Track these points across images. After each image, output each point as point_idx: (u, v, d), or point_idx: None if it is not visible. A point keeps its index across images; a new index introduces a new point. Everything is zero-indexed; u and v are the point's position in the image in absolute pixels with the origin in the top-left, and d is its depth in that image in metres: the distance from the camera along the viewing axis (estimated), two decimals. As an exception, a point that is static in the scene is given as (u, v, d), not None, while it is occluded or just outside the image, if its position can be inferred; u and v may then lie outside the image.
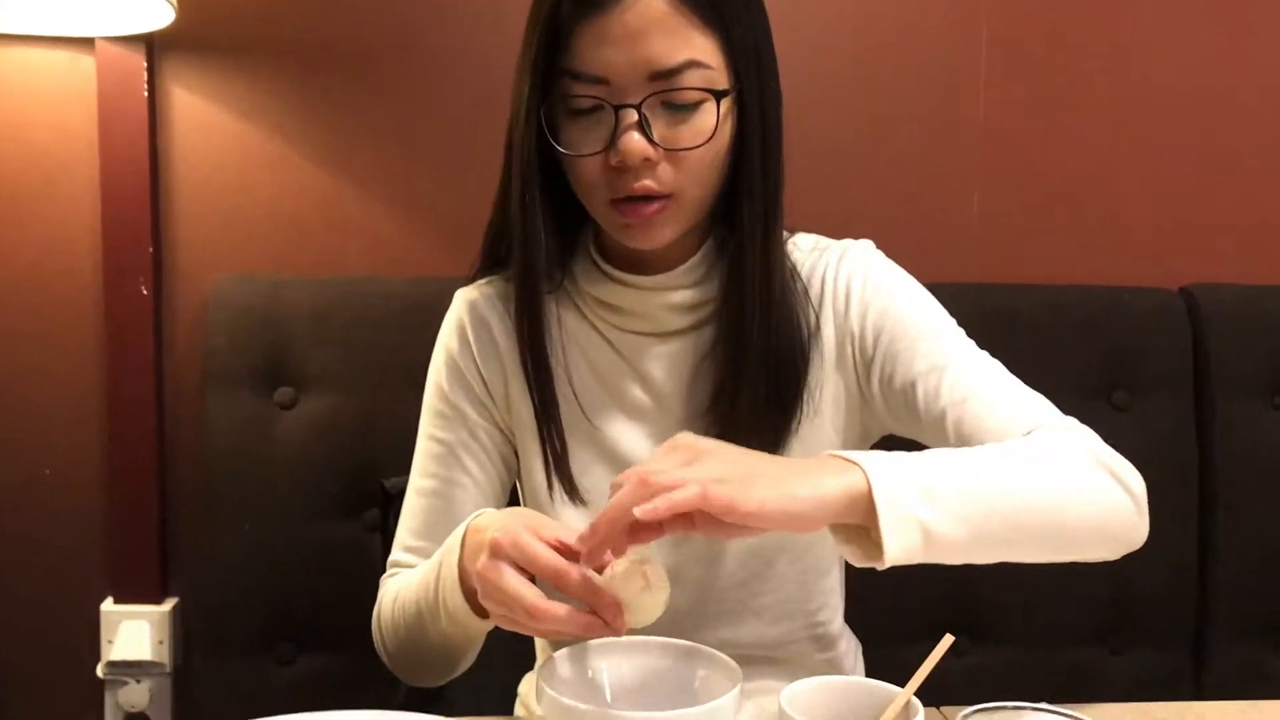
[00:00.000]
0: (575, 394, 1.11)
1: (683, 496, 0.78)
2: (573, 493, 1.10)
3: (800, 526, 0.82)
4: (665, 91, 0.97)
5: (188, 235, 1.69)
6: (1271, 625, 1.71)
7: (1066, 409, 1.66)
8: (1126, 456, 0.93)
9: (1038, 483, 0.89)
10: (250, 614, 1.61)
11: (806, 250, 1.14)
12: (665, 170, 1.00)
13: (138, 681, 1.69)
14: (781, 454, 1.08)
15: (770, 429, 1.08)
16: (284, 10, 1.67)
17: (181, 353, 1.69)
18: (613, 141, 0.98)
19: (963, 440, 0.98)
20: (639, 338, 1.11)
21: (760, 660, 1.12)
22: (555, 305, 1.13)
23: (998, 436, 0.96)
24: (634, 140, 0.97)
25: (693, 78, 0.97)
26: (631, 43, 0.96)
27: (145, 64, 1.63)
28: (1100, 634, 1.71)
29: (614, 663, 0.95)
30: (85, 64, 1.64)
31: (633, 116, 0.97)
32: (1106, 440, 0.99)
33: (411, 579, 1.06)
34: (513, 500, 1.20)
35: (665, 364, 1.11)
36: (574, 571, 0.85)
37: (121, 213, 1.65)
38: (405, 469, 1.55)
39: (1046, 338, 1.67)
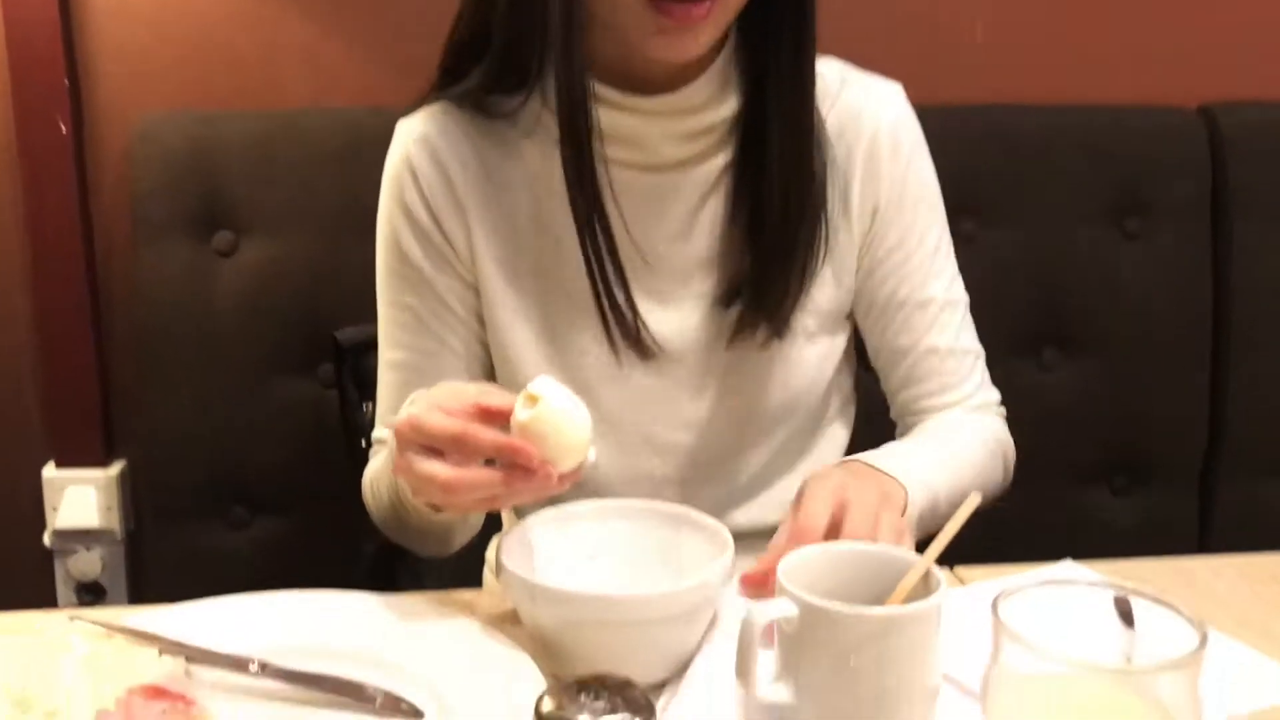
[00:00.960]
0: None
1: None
2: (646, 352, 0.99)
3: None
4: None
5: (108, 67, 1.53)
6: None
7: (1076, 239, 1.57)
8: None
9: (991, 482, 1.06)
10: (201, 477, 1.52)
11: (834, 78, 1.03)
12: None
13: (88, 550, 1.60)
14: (792, 318, 1.02)
15: (781, 282, 0.98)
16: None
17: (108, 198, 1.55)
18: None
19: (906, 380, 1.06)
20: (624, 172, 0.97)
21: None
22: (516, 136, 0.99)
23: (937, 401, 1.06)
24: None
25: None
26: None
27: None
28: (1105, 474, 1.64)
29: (586, 529, 0.85)
30: None
31: None
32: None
33: (381, 470, 1.00)
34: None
35: (654, 205, 0.99)
36: (472, 429, 0.77)
37: (30, 43, 1.48)
38: (358, 318, 1.44)
39: (1053, 162, 1.57)
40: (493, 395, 0.79)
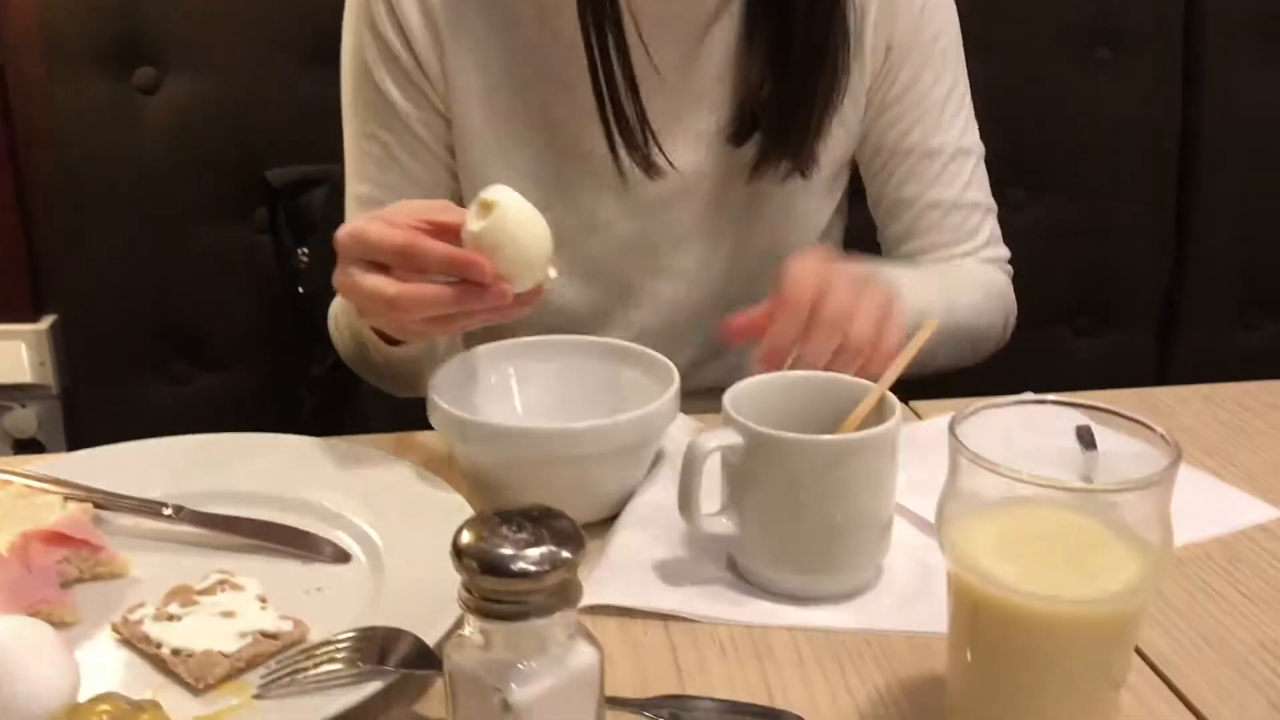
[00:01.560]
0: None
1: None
2: (653, 169, 0.92)
3: None
4: None
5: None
6: (1246, 300, 1.61)
7: (1048, 69, 1.50)
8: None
9: (982, 324, 1.03)
10: (136, 329, 1.45)
11: None
12: None
13: (23, 406, 1.54)
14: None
15: (806, 107, 0.92)
16: None
17: (16, 31, 1.45)
18: None
19: (908, 233, 1.02)
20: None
21: None
22: None
23: (940, 255, 1.02)
24: None
25: None
26: None
27: None
28: (1067, 315, 1.61)
29: (526, 365, 0.80)
30: None
31: None
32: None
33: (343, 302, 0.92)
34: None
35: (662, 22, 0.91)
36: (419, 240, 0.70)
37: None
38: (291, 158, 1.38)
39: None
40: (449, 210, 0.73)
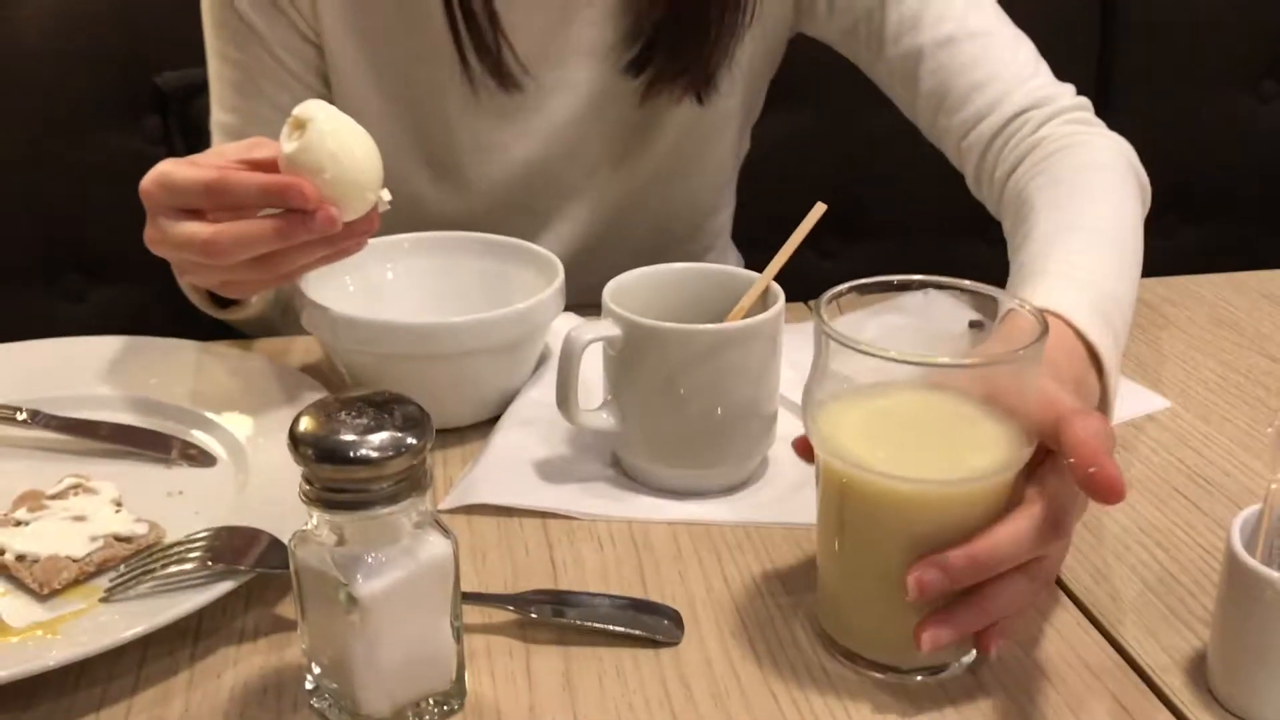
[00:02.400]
0: None
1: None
2: (502, 74, 0.85)
3: None
4: None
5: None
6: (1157, 215, 1.61)
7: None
8: (1027, 27, 0.84)
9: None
10: (25, 244, 1.39)
11: None
12: None
13: (-90, 327, 1.47)
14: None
15: (718, 38, 0.86)
16: None
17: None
18: None
19: (935, 93, 0.85)
20: None
21: None
22: None
23: (988, 103, 0.83)
24: None
25: None
26: None
27: None
28: (980, 225, 1.59)
29: (403, 263, 0.77)
30: None
31: None
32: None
33: None
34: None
35: None
36: (229, 173, 0.63)
37: None
38: (181, 61, 1.31)
39: None
40: (264, 146, 0.66)
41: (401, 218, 0.76)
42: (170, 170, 0.65)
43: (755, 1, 0.87)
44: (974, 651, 0.53)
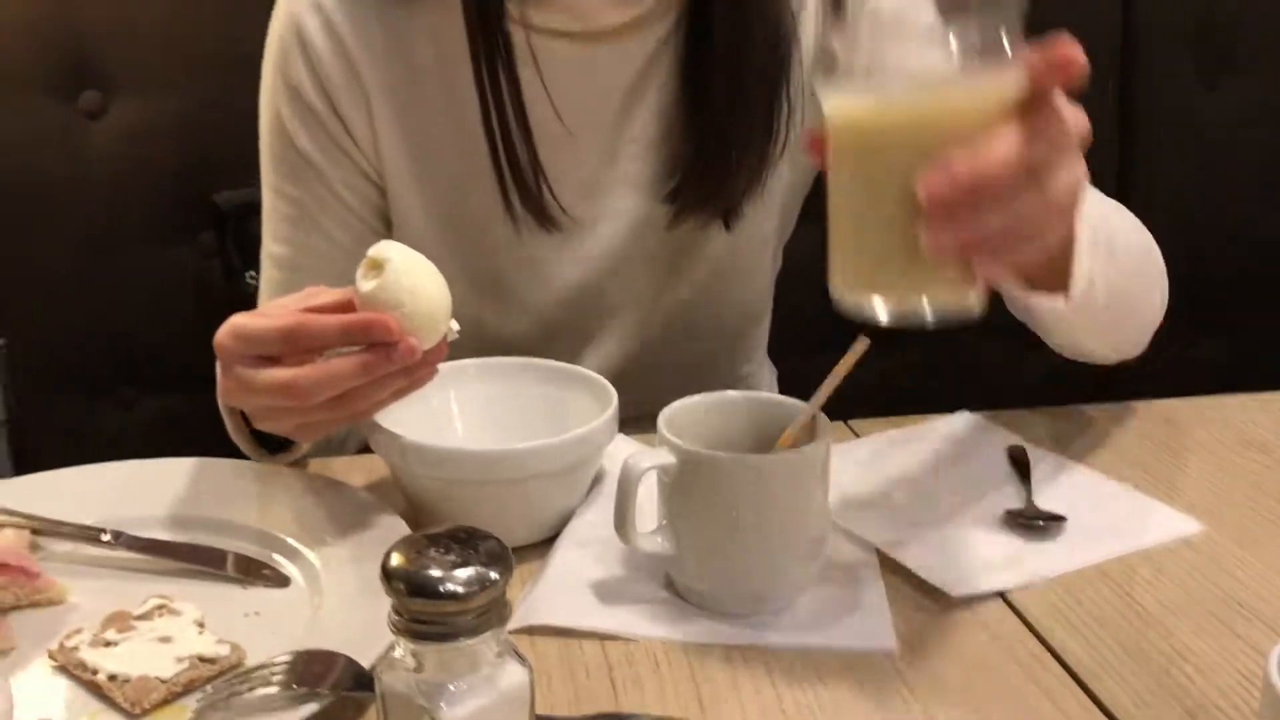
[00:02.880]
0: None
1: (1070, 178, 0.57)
2: (545, 217, 0.89)
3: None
4: None
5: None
6: (1178, 326, 1.64)
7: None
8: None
9: (1149, 256, 0.86)
10: (83, 355, 1.45)
11: None
12: None
13: (-33, 432, 1.52)
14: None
15: (726, 166, 0.89)
16: None
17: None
18: None
19: None
20: (553, 41, 0.87)
21: None
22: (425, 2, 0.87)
23: None
24: None
25: None
26: None
27: None
28: (1015, 328, 1.63)
29: (464, 388, 0.81)
30: None
31: None
32: None
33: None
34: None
35: (587, 79, 0.89)
36: (307, 317, 0.66)
37: None
38: (239, 181, 1.37)
39: None
40: (323, 293, 0.69)
41: (459, 338, 0.79)
42: (244, 322, 0.68)
43: (784, 137, 0.91)
44: (974, 297, 0.57)
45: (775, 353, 1.18)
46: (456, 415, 0.80)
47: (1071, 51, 0.54)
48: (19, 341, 1.52)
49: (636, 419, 0.78)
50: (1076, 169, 0.57)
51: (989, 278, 0.57)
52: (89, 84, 1.38)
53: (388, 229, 0.96)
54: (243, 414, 0.79)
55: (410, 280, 0.66)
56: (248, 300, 1.36)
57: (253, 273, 1.37)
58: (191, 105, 1.39)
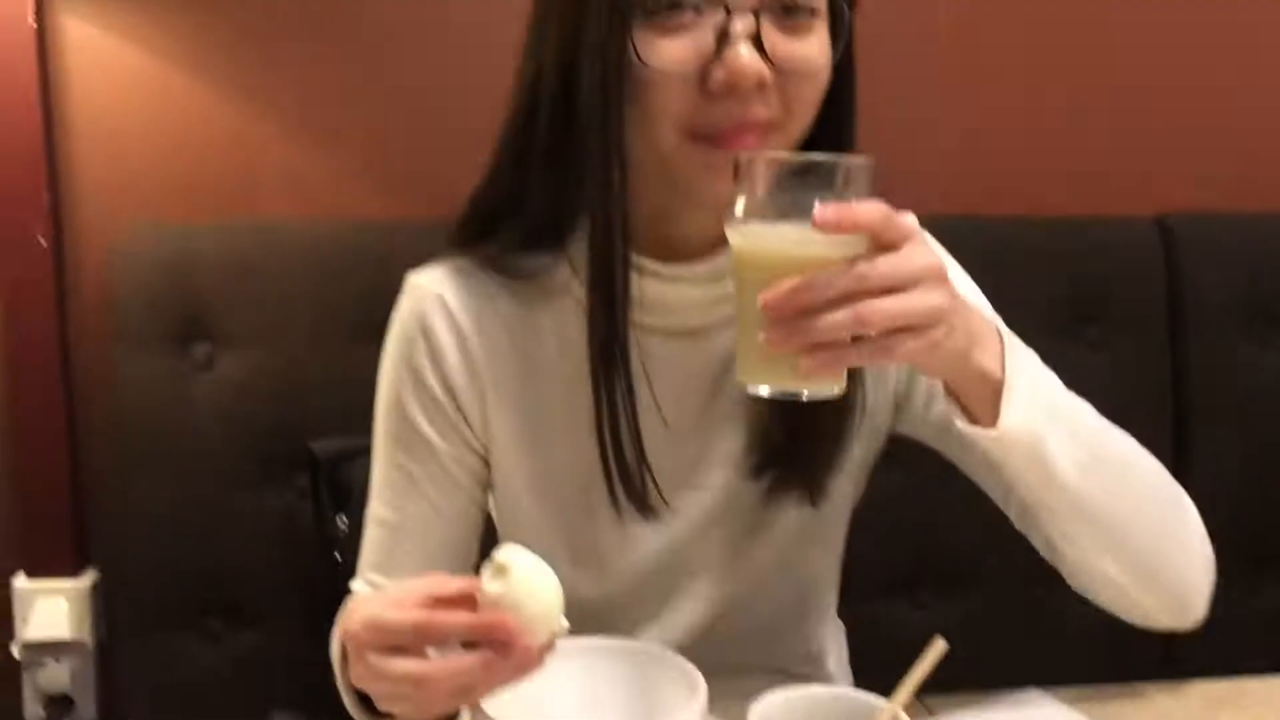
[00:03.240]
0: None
1: (900, 309, 0.71)
2: (646, 508, 0.95)
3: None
4: None
5: (89, 180, 1.55)
6: (1243, 575, 1.65)
7: (1037, 348, 1.59)
8: (1099, 398, 0.91)
9: (1150, 469, 0.90)
10: (175, 589, 1.51)
11: None
12: (774, 95, 0.82)
13: (57, 661, 1.58)
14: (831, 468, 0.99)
15: (814, 447, 0.96)
16: (183, -73, 1.51)
17: (87, 310, 1.56)
18: (717, 55, 0.80)
19: None
20: (650, 337, 0.94)
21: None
22: (541, 298, 0.95)
23: None
24: (748, 54, 0.79)
25: None
26: None
27: (30, -10, 1.47)
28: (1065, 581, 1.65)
29: (555, 672, 0.86)
30: (-38, -10, 1.48)
31: (749, 24, 0.79)
32: (1080, 381, 0.95)
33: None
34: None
35: (679, 369, 0.96)
36: (437, 614, 0.72)
37: (13, 158, 1.50)
38: (334, 430, 1.46)
39: (1014, 272, 1.58)
40: (448, 582, 0.75)
41: None
42: (378, 613, 0.73)
43: (861, 416, 0.97)
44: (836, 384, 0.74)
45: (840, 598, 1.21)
46: (551, 698, 0.84)
47: (893, 220, 0.71)
48: (112, 573, 1.60)
49: (712, 675, 0.81)
50: (916, 300, 0.71)
51: (829, 368, 0.72)
52: (200, 338, 1.49)
53: (486, 497, 1.02)
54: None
55: (530, 585, 0.72)
56: (338, 541, 1.43)
57: (343, 516, 1.44)
58: (293, 359, 1.49)
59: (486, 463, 1.00)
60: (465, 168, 0.96)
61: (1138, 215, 1.66)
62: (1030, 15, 1.68)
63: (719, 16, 0.80)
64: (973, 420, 0.81)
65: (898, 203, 1.06)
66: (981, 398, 0.80)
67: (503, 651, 0.70)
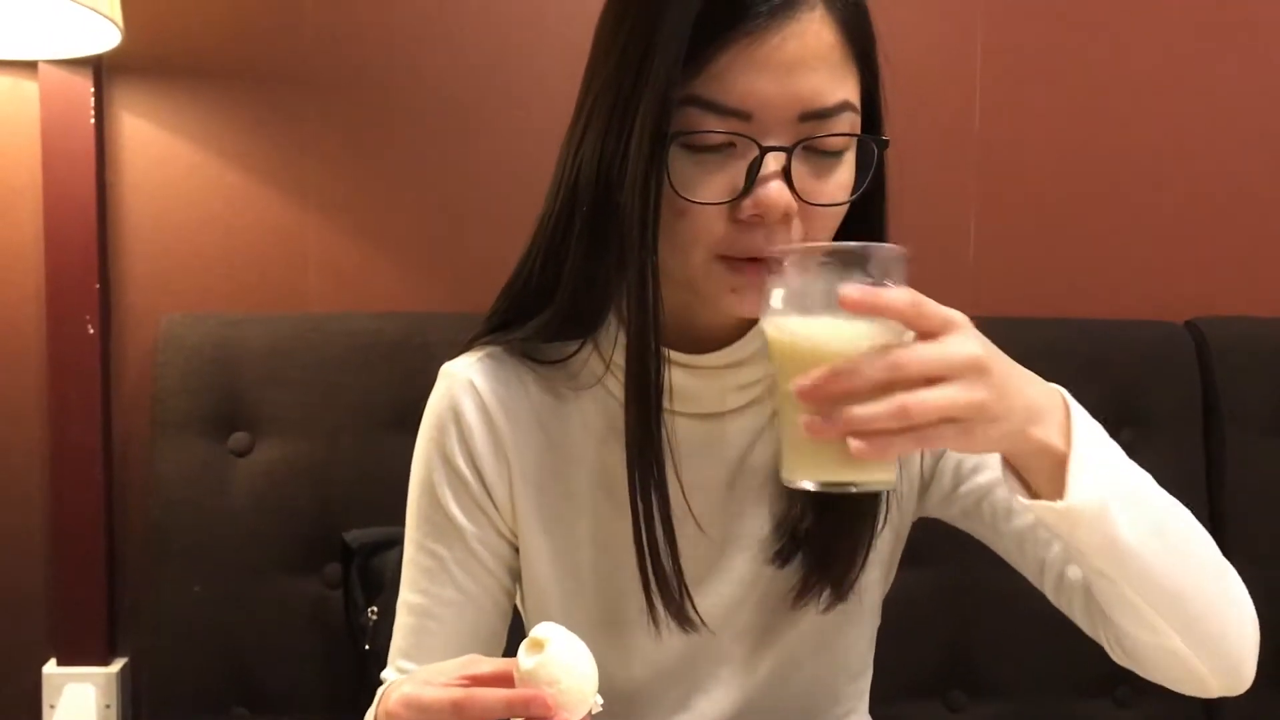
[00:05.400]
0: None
1: (936, 401, 0.70)
2: (687, 624, 0.95)
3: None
4: (816, 137, 0.83)
5: (137, 271, 1.60)
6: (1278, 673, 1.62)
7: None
8: None
9: (1206, 537, 0.89)
10: (203, 675, 1.51)
11: None
12: (800, 223, 0.85)
13: (83, 749, 1.57)
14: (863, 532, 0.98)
15: (845, 537, 0.96)
16: (238, 32, 1.58)
17: (130, 396, 1.59)
18: (748, 189, 0.82)
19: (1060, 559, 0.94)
20: (676, 420, 0.96)
21: None
22: (570, 386, 0.98)
23: None
24: (778, 190, 0.82)
25: (843, 122, 0.84)
26: (787, 73, 0.81)
27: (92, 88, 1.54)
28: (1107, 685, 1.62)
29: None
30: (28, 89, 1.55)
31: (781, 161, 0.82)
32: None
33: None
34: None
35: (705, 450, 0.97)
36: (474, 689, 0.73)
37: (67, 247, 1.55)
38: (367, 520, 1.47)
39: (1048, 374, 1.55)
40: (481, 663, 0.77)
41: None
42: (418, 692, 0.75)
43: (887, 510, 0.97)
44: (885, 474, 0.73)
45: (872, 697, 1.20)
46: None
47: (925, 307, 0.71)
48: (142, 660, 1.60)
49: None
50: (957, 393, 0.70)
51: (879, 454, 0.70)
52: (239, 426, 1.52)
53: (514, 583, 1.03)
54: None
55: (567, 660, 0.73)
56: (367, 631, 1.43)
57: (374, 608, 1.44)
58: (329, 449, 1.51)
59: (515, 550, 1.01)
60: (497, 264, 1.00)
61: (1169, 320, 1.67)
62: (1063, 120, 1.71)
63: (753, 153, 0.82)
64: (1033, 494, 0.81)
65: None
66: (1043, 470, 0.78)
67: None
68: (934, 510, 1.04)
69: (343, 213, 1.61)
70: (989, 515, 0.98)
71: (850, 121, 0.84)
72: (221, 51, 1.57)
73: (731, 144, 0.83)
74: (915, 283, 1.17)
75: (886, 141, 0.88)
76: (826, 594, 0.98)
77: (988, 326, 1.66)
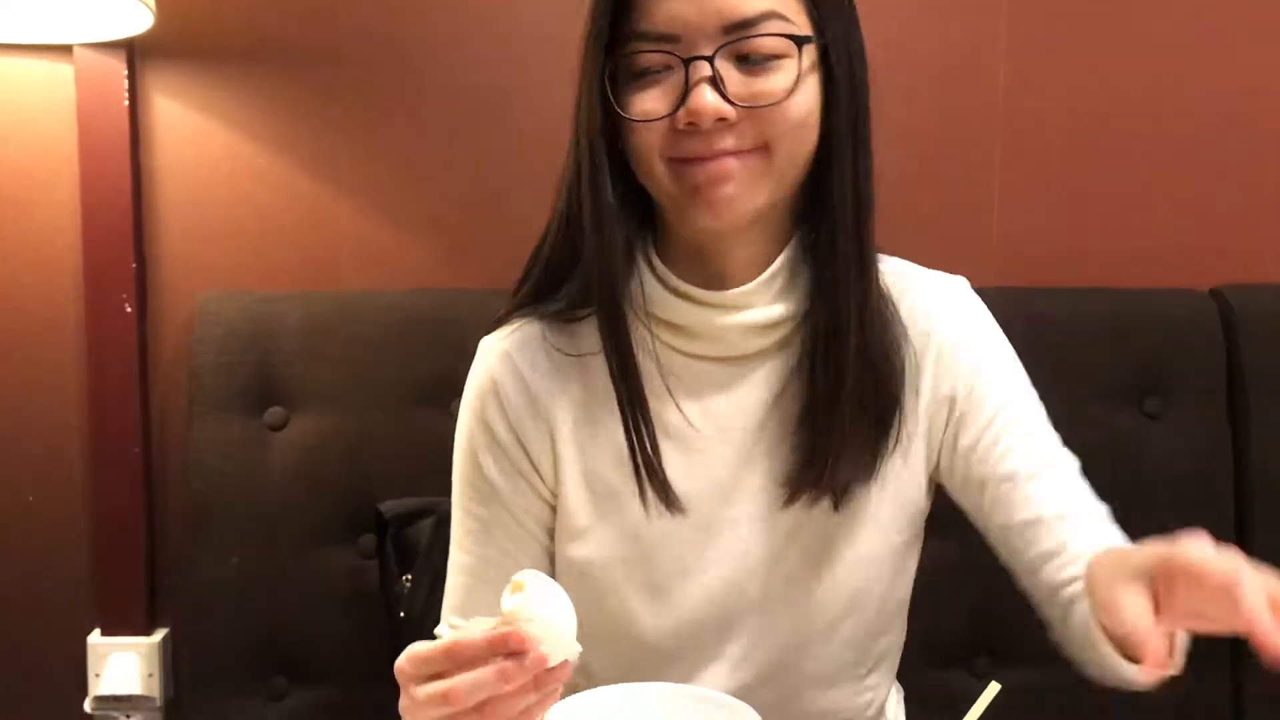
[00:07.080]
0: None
1: None
2: (671, 502, 1.00)
3: None
4: (739, 41, 0.90)
5: (172, 249, 1.62)
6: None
7: (1096, 419, 1.59)
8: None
9: None
10: (242, 645, 1.55)
11: (890, 272, 1.04)
12: (747, 127, 0.91)
13: (127, 716, 1.62)
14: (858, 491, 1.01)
15: (867, 452, 1.00)
16: (269, 13, 1.60)
17: (167, 372, 1.62)
18: (682, 100, 0.90)
19: (1051, 551, 0.98)
20: (697, 363, 1.01)
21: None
22: (592, 344, 1.02)
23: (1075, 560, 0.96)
24: (705, 96, 0.89)
25: (771, 27, 0.90)
26: None
27: (125, 71, 1.56)
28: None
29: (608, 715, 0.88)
30: (63, 72, 1.57)
31: (704, 70, 0.90)
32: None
33: None
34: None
35: (724, 392, 1.02)
36: (461, 637, 0.76)
37: (103, 227, 1.58)
38: (401, 491, 1.50)
39: (1072, 344, 1.60)
40: (489, 624, 0.79)
41: (619, 631, 0.98)
42: (417, 646, 0.78)
43: (898, 429, 1.01)
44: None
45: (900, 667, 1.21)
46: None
47: None
48: (183, 632, 1.64)
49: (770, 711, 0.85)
50: None
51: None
52: (275, 401, 1.54)
53: (553, 542, 1.07)
54: None
55: (543, 601, 0.76)
56: (401, 600, 1.46)
57: (408, 577, 1.47)
58: (363, 423, 1.54)
59: (553, 511, 1.05)
60: (528, 240, 1.05)
61: (1193, 288, 1.68)
62: (1087, 88, 1.71)
63: (684, 70, 0.90)
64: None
65: (956, 273, 1.10)
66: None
67: (517, 660, 0.73)
68: (947, 483, 1.06)
69: (375, 191, 1.63)
70: (982, 490, 1.01)
71: (779, 28, 0.91)
72: (253, 33, 1.59)
73: (669, 66, 0.91)
74: (941, 252, 1.18)
75: (807, 38, 0.92)
76: (818, 498, 1.00)
77: (1011, 296, 1.67)
